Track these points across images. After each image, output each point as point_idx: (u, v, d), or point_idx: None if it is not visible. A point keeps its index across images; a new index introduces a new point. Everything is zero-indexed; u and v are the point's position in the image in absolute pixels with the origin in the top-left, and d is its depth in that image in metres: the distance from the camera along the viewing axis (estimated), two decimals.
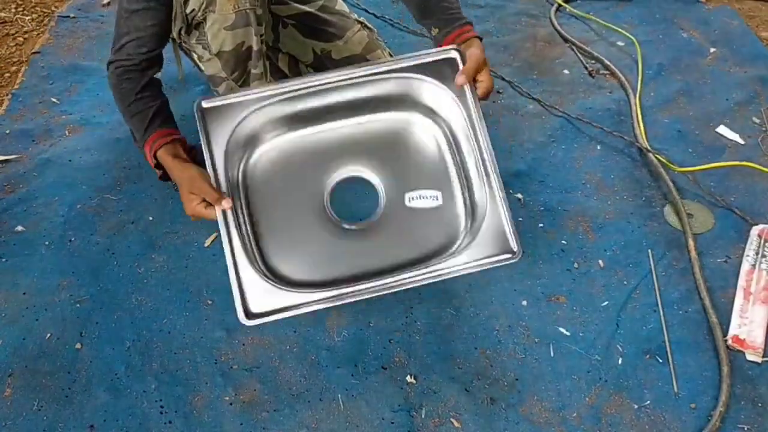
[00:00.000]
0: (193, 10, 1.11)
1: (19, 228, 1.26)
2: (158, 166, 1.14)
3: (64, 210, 1.29)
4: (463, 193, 1.09)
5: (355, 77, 1.06)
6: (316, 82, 1.05)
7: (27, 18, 1.86)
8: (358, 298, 0.94)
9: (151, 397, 1.02)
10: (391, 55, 1.37)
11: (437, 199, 1.09)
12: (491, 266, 0.97)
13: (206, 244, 1.23)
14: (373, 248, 1.06)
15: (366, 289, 0.95)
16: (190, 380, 1.04)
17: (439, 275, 0.96)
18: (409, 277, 0.96)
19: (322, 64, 1.37)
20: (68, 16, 1.85)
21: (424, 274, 0.96)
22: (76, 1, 1.92)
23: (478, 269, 0.97)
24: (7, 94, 1.57)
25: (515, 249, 0.98)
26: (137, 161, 1.39)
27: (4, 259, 1.20)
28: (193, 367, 1.05)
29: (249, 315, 0.92)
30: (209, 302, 1.14)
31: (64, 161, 1.39)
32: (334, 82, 1.05)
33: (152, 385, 1.03)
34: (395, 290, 0.95)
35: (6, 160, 1.39)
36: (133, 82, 1.14)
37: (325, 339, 1.10)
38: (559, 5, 1.94)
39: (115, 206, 1.30)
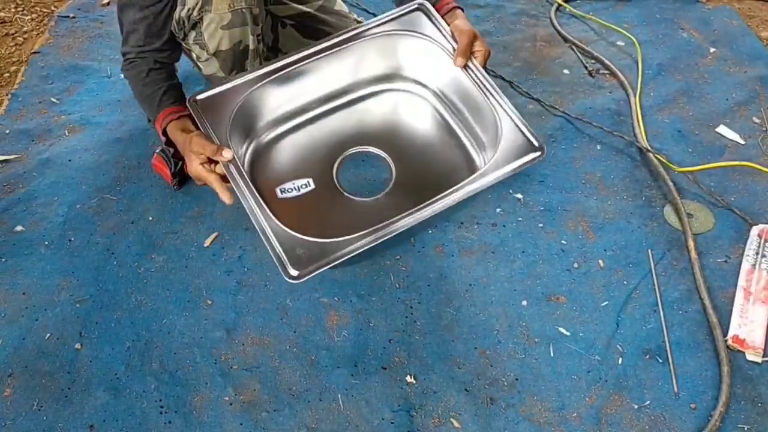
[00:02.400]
0: (190, 9, 1.11)
1: (19, 228, 1.26)
2: (170, 143, 1.15)
3: (63, 210, 1.29)
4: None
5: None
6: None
7: (27, 18, 1.86)
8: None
9: (150, 396, 1.01)
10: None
11: (308, 185, 1.13)
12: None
13: (206, 244, 1.23)
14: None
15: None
16: (190, 380, 1.04)
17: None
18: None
19: None
20: (68, 16, 1.85)
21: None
22: (76, 1, 1.92)
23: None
24: (6, 94, 1.57)
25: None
26: (137, 161, 1.39)
27: (4, 259, 1.20)
28: (192, 367, 1.05)
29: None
30: (209, 302, 1.14)
31: (64, 161, 1.39)
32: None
33: (152, 385, 1.03)
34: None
35: (6, 160, 1.39)
36: (139, 69, 1.17)
37: (324, 339, 1.09)
38: (559, 5, 1.94)
39: (115, 206, 1.30)
